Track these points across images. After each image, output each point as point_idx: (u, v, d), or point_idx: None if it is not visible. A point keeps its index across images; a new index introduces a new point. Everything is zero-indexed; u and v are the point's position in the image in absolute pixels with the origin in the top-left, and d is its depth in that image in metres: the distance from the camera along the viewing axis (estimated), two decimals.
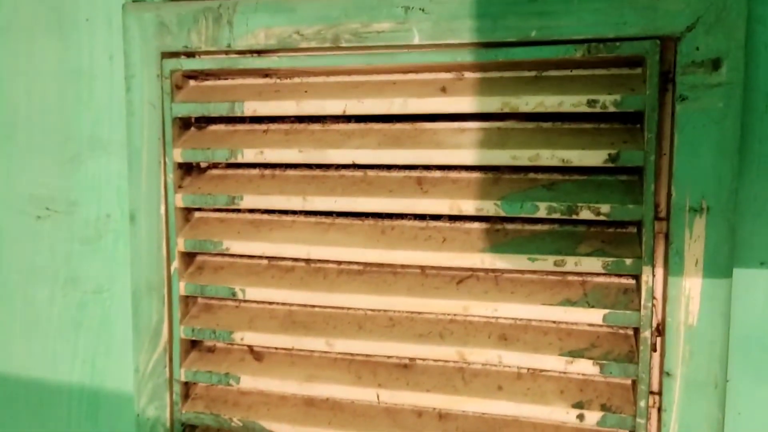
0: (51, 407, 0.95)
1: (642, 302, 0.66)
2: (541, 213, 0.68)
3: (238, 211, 0.82)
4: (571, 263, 0.68)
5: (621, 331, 0.70)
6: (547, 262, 0.68)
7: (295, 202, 0.76)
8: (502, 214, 0.69)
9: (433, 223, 0.75)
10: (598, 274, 0.70)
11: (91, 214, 0.91)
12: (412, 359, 0.76)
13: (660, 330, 0.67)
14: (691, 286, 0.65)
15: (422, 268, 0.76)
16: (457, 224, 0.74)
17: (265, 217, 0.81)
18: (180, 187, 0.81)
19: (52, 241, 0.93)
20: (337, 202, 0.74)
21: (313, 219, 0.79)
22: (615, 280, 0.70)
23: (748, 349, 0.69)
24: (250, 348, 0.82)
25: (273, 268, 0.80)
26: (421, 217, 0.75)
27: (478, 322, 0.74)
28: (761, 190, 0.67)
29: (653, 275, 0.66)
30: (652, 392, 0.67)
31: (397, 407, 0.77)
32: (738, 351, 0.69)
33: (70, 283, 0.93)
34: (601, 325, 0.70)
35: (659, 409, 0.67)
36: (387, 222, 0.76)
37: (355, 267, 0.78)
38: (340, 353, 0.78)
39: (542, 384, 0.71)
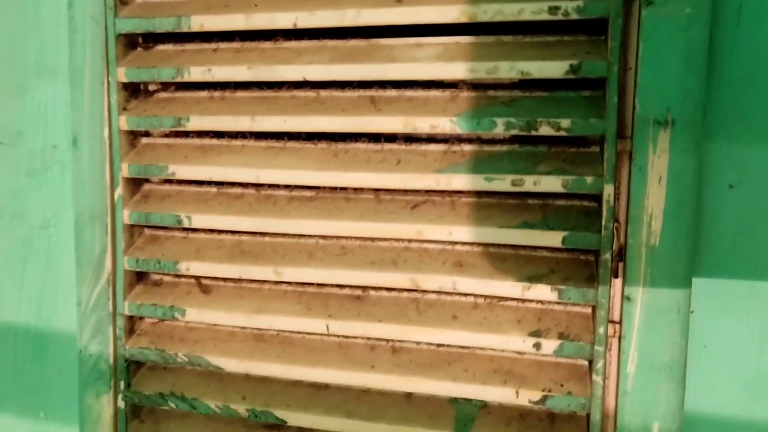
0: None
1: (603, 223, 0.62)
2: (499, 129, 0.64)
3: (186, 135, 0.78)
4: (529, 183, 0.64)
5: (582, 257, 0.66)
6: (504, 182, 0.64)
7: (243, 123, 0.72)
8: (458, 131, 0.65)
9: (387, 146, 0.71)
10: (558, 196, 0.66)
11: (37, 145, 0.87)
12: (365, 289, 0.72)
13: (621, 255, 0.63)
14: (654, 204, 0.61)
15: (376, 192, 0.72)
16: (413, 146, 0.70)
17: (215, 141, 0.77)
18: (125, 109, 0.77)
19: None
20: (287, 122, 0.70)
21: (263, 143, 0.75)
22: (576, 202, 0.66)
23: (714, 278, 0.65)
24: (198, 280, 0.78)
25: (221, 196, 0.76)
26: (376, 139, 0.71)
27: (433, 250, 0.70)
28: (731, 109, 0.63)
29: (616, 196, 0.62)
30: (612, 321, 0.64)
31: (349, 341, 0.73)
32: (704, 280, 0.65)
33: (16, 217, 0.89)
34: (561, 250, 0.66)
35: (619, 338, 0.63)
36: (340, 145, 0.72)
37: (307, 193, 0.74)
38: (290, 284, 0.75)
39: (499, 314, 0.68)
